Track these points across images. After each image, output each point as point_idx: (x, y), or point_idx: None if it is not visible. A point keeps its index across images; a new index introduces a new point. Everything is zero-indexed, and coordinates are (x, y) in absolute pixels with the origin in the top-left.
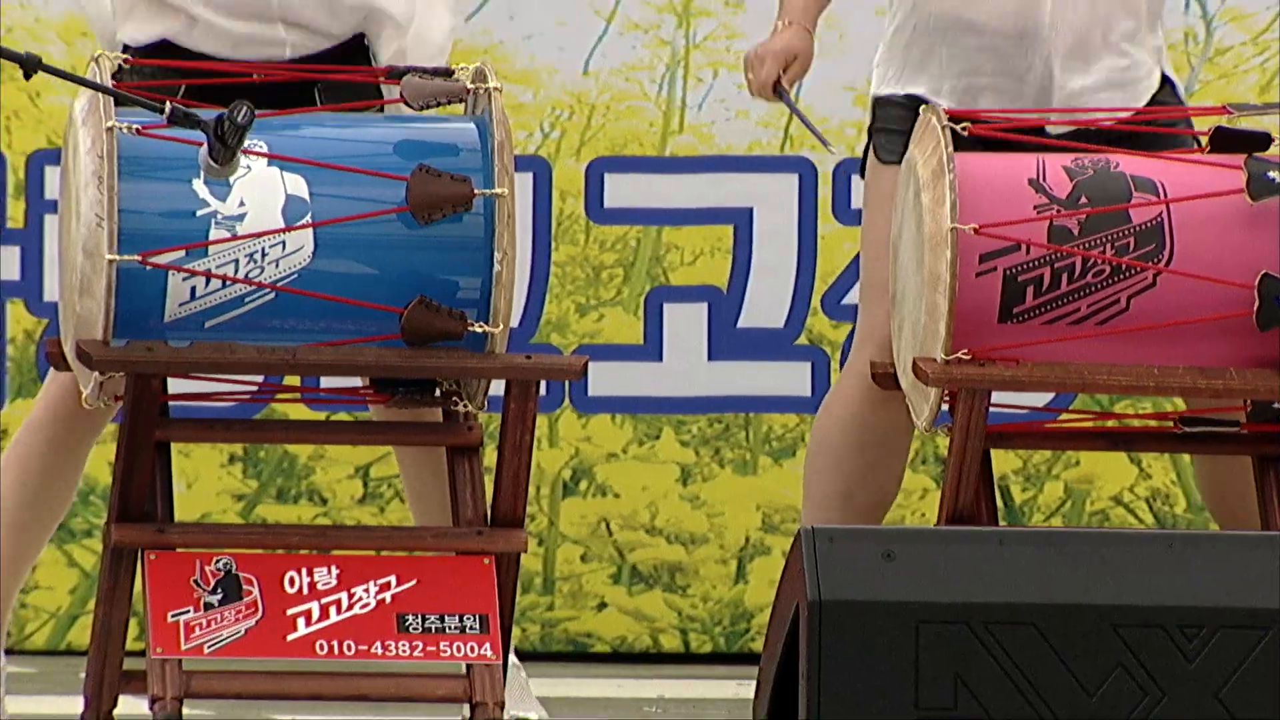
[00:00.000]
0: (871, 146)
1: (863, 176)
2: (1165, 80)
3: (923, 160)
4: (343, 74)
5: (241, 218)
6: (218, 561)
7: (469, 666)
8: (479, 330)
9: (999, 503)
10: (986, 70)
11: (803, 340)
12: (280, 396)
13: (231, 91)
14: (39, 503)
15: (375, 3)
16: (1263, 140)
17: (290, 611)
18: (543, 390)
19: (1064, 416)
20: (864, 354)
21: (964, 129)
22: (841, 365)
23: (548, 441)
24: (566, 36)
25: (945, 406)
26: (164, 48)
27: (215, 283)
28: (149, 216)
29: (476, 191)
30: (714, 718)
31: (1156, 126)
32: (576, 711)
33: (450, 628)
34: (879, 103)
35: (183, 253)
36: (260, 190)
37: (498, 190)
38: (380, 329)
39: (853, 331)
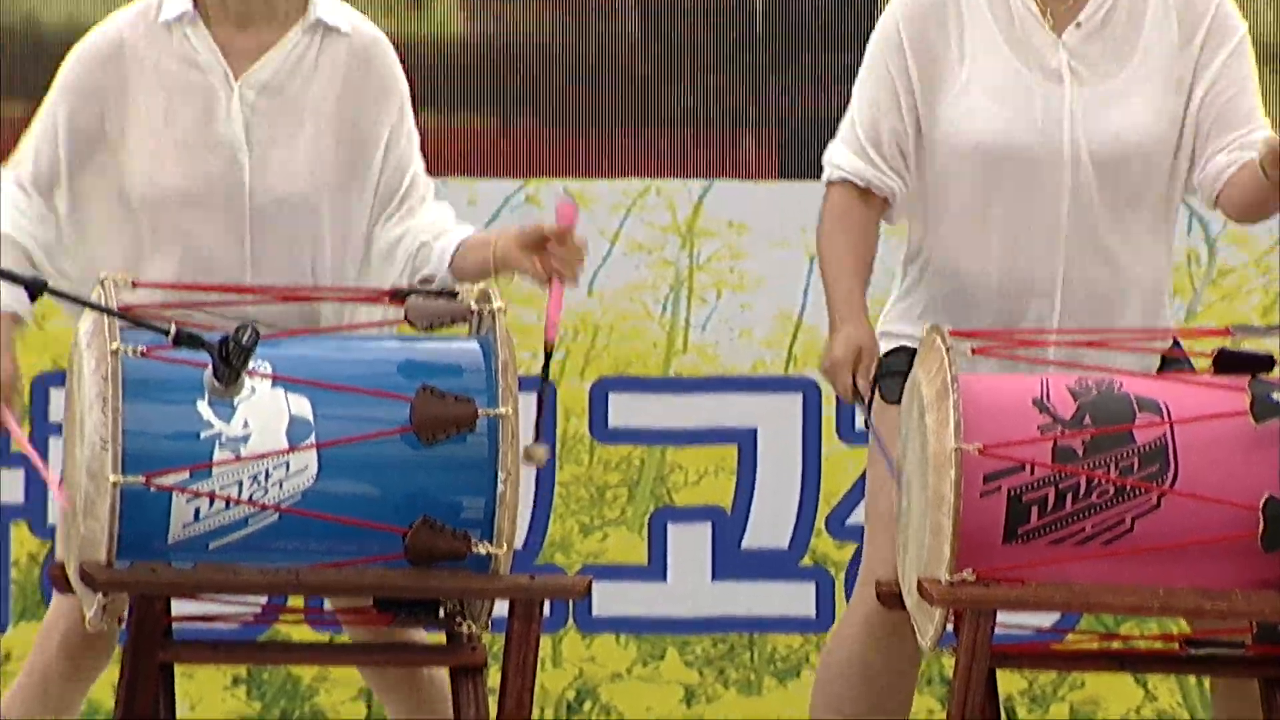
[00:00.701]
0: (876, 389)
1: (867, 421)
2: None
3: (926, 381)
4: (345, 295)
5: (246, 439)
6: None
7: None
8: (483, 551)
9: None
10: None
11: (807, 561)
12: (284, 617)
13: None
14: None
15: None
16: (1266, 362)
17: None
18: (546, 610)
19: (1069, 637)
20: (867, 592)
21: (969, 349)
22: (846, 586)
23: (551, 662)
24: None
25: (950, 626)
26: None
27: (219, 504)
28: (153, 438)
29: (480, 412)
30: None
31: (1160, 349)
32: None
33: None
34: (886, 352)
35: (187, 474)
36: (264, 411)
37: (501, 410)
38: (384, 549)
39: (857, 552)
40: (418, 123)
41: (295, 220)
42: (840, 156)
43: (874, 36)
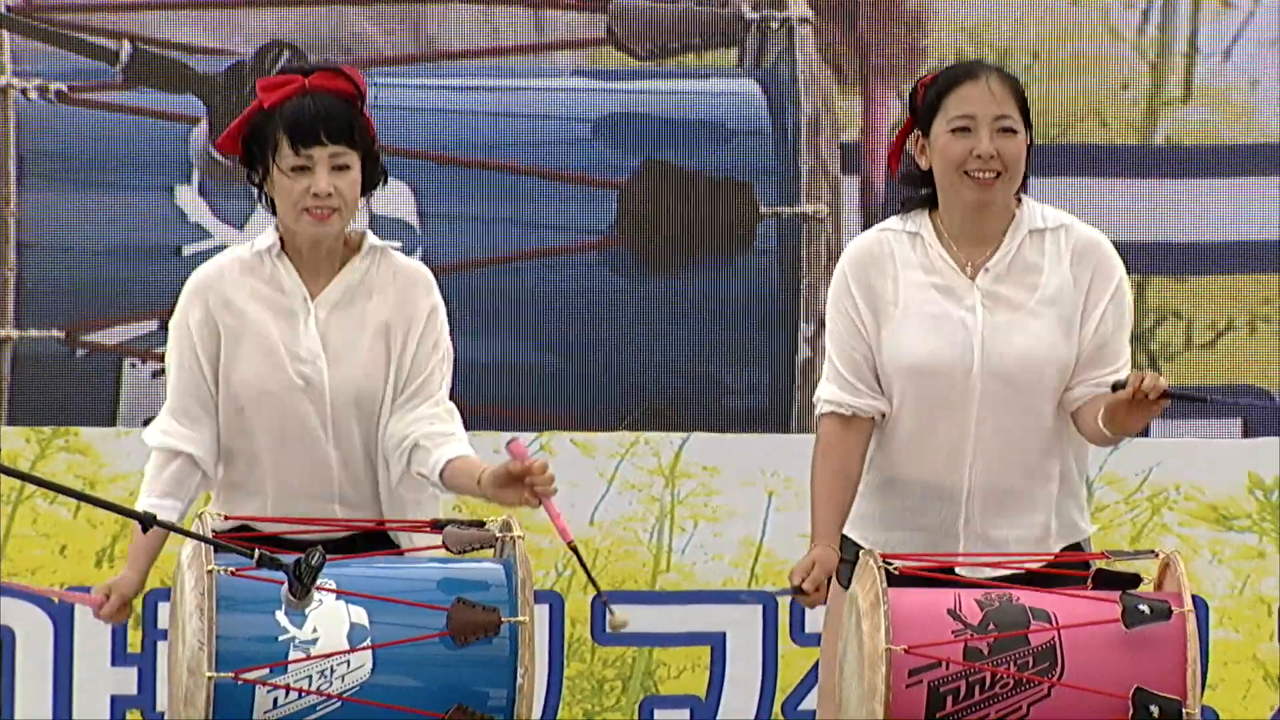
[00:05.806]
0: (838, 572)
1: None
2: (1079, 536)
3: (862, 594)
4: (397, 525)
5: (315, 641)
6: None
7: None
8: None
9: None
10: (917, 525)
11: None
12: None
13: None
14: None
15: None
16: (1134, 580)
17: None
18: None
19: None
20: None
21: (896, 569)
22: None
23: None
24: (577, 494)
25: None
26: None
27: (293, 694)
28: (240, 641)
29: (504, 619)
30: None
31: (1055, 569)
32: None
33: None
34: (845, 541)
35: (267, 670)
36: (330, 619)
37: (521, 618)
38: None
39: None
40: (465, 392)
41: (362, 409)
42: (824, 391)
43: (831, 286)
